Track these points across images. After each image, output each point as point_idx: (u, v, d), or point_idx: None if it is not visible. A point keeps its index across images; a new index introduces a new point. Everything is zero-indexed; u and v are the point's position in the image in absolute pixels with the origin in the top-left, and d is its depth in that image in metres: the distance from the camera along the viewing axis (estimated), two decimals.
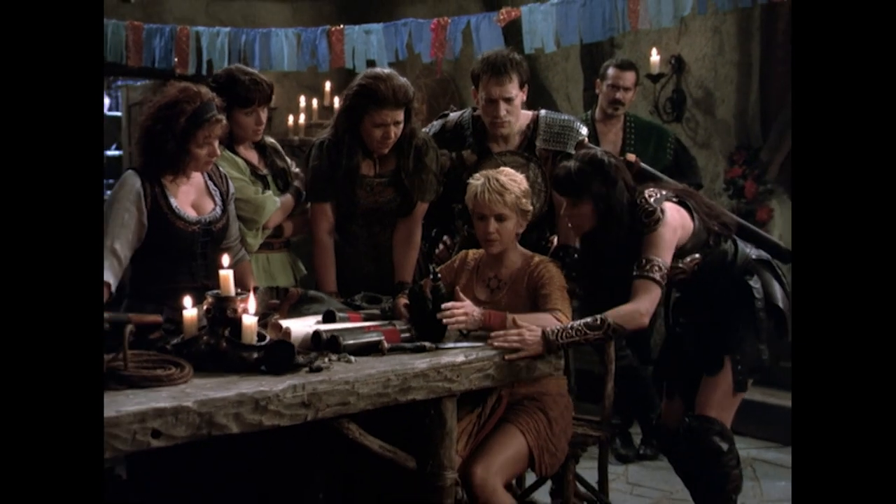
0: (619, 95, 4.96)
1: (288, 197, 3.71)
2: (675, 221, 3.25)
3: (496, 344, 2.90)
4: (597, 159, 3.27)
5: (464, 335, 3.06)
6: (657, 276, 3.13)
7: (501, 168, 3.36)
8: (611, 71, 5.04)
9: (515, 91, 3.65)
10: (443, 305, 2.97)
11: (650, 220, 3.19)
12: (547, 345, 2.97)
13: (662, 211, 3.21)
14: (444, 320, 2.95)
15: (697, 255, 3.35)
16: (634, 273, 3.16)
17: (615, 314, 3.07)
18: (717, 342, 3.39)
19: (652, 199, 3.22)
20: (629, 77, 5.01)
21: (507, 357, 2.90)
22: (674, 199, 3.33)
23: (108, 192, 9.66)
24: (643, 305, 3.10)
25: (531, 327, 2.97)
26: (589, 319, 3.05)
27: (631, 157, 3.71)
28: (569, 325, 3.03)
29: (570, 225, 3.39)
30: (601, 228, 3.26)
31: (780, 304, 3.40)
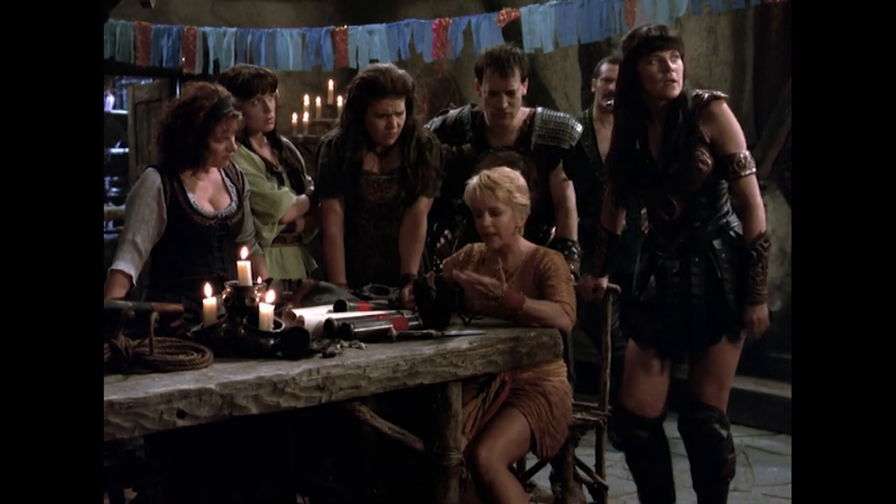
0: (612, 87, 5.02)
1: (304, 197, 3.82)
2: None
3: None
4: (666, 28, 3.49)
5: (465, 322, 3.15)
6: (752, 168, 3.35)
7: (499, 167, 3.46)
8: (605, 66, 5.10)
9: (517, 84, 3.77)
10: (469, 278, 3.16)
11: (711, 93, 3.37)
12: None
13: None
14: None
15: (712, 163, 3.36)
16: (731, 176, 3.34)
17: (752, 231, 3.33)
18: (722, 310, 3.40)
19: (718, 92, 3.43)
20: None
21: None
22: None
23: (115, 189, 9.71)
24: (760, 205, 3.36)
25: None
26: (748, 257, 3.31)
27: None
28: (751, 279, 3.30)
29: (661, 82, 3.39)
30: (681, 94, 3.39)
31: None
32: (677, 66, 3.36)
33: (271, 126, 3.83)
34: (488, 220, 3.30)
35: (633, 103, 3.44)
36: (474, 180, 3.36)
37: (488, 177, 3.33)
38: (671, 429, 3.71)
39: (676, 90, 3.36)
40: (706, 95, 3.38)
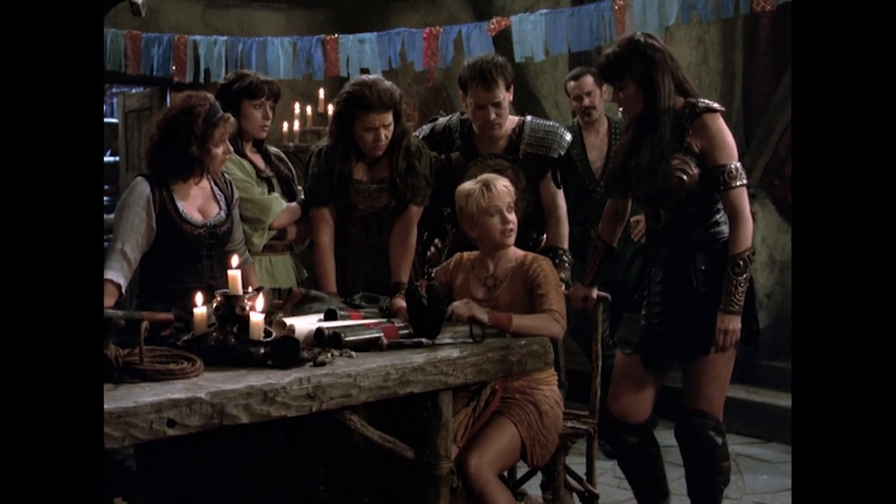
0: (587, 102, 5.00)
1: (295, 204, 3.83)
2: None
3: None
4: (633, 40, 3.34)
5: (477, 342, 3.02)
6: (743, 179, 3.27)
7: (484, 174, 3.45)
8: (570, 85, 5.08)
9: (503, 95, 3.75)
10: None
11: (706, 105, 3.29)
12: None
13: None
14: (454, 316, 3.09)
15: (698, 172, 3.31)
16: (721, 187, 3.27)
17: (738, 244, 3.25)
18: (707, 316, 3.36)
19: (715, 105, 3.34)
20: (586, 83, 5.01)
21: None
22: None
23: (105, 198, 9.69)
24: (748, 218, 3.27)
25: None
26: (733, 266, 3.24)
27: None
28: (731, 289, 3.24)
29: (621, 112, 3.44)
30: (650, 108, 3.31)
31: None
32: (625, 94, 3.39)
33: (265, 134, 3.86)
34: (512, 216, 3.31)
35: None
36: (478, 185, 3.33)
37: (495, 178, 3.36)
38: (665, 437, 3.71)
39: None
40: (700, 106, 3.33)
